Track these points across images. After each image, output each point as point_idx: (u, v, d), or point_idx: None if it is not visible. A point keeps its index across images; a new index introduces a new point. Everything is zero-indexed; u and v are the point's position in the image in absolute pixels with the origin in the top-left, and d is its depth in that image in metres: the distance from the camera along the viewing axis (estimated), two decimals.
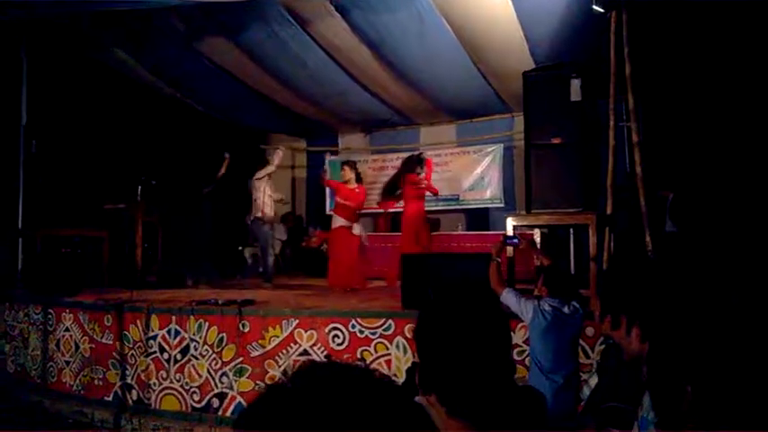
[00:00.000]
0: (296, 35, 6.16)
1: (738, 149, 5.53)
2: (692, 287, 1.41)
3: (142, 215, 6.61)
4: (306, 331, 4.44)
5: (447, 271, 4.47)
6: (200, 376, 4.61)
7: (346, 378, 0.62)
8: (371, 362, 4.20)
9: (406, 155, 7.26)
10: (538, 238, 5.91)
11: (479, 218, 8.88)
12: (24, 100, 6.42)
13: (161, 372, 4.74)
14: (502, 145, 8.73)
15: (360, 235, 6.48)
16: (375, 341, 4.29)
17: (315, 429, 0.56)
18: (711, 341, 1.08)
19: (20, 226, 6.34)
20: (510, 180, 8.66)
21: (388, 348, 4.25)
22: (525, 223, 4.85)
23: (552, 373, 2.90)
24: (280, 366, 4.43)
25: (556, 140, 4.47)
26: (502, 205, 8.57)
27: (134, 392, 4.83)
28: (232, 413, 4.49)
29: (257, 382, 4.43)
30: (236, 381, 4.52)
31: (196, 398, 4.61)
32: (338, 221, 6.47)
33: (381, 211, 8.06)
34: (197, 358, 4.64)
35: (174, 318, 4.75)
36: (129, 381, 4.86)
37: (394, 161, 8.68)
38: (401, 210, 6.75)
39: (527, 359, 3.22)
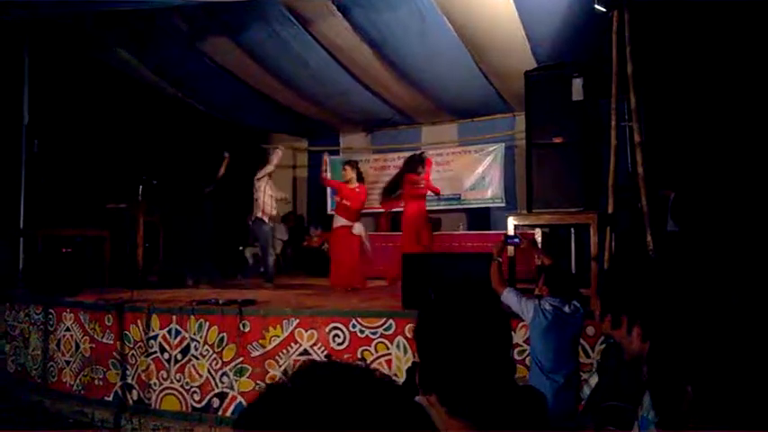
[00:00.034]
0: (297, 35, 6.16)
1: (740, 149, 5.53)
2: (692, 287, 1.41)
3: (143, 215, 6.62)
4: (306, 331, 4.45)
5: (448, 271, 4.47)
6: (201, 376, 4.62)
7: (347, 378, 0.62)
8: (372, 362, 4.21)
9: (407, 154, 7.27)
10: (539, 238, 5.92)
11: (480, 217, 8.88)
12: (27, 100, 6.43)
13: (161, 372, 4.74)
14: (503, 144, 8.72)
15: (360, 235, 6.48)
16: (375, 341, 4.29)
17: (315, 429, 0.56)
18: (712, 341, 1.07)
19: (21, 225, 6.35)
20: (511, 179, 8.66)
21: (388, 348, 4.26)
22: (526, 223, 4.85)
23: (553, 372, 2.90)
24: (280, 366, 4.43)
25: (557, 140, 4.47)
26: (503, 205, 8.56)
27: (134, 392, 4.84)
28: (232, 413, 4.50)
29: (257, 381, 4.43)
30: (236, 381, 4.52)
31: (196, 398, 4.61)
32: (339, 221, 6.48)
33: (382, 210, 8.06)
34: (197, 358, 4.64)
35: (174, 317, 4.75)
36: (129, 381, 4.86)
37: (395, 161, 8.68)
38: (402, 209, 6.75)
39: (527, 359, 3.22)
